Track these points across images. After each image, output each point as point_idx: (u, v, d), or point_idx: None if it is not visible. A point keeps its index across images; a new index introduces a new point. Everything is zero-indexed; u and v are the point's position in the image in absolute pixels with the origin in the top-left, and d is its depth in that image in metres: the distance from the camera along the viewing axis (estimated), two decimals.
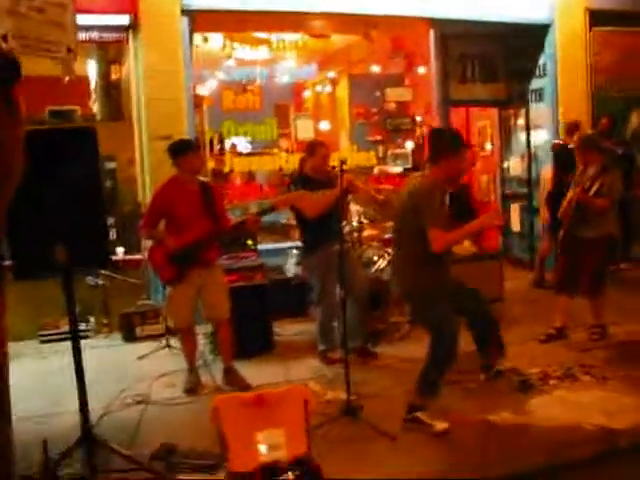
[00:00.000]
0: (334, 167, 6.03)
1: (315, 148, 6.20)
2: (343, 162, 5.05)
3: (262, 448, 3.97)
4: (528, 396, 5.12)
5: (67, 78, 10.17)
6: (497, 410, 4.83)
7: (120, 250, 7.79)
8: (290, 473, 3.80)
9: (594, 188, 6.19)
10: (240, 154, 8.91)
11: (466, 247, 7.34)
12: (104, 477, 3.95)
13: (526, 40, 9.95)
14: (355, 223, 7.11)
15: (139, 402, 5.37)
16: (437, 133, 5.20)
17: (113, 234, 7.77)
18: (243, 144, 9.32)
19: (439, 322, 4.67)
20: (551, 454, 4.34)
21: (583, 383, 5.32)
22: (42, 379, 6.05)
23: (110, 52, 8.96)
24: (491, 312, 5.22)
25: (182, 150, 5.56)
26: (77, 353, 3.88)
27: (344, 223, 6.82)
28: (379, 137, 10.59)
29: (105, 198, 4.02)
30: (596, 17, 9.83)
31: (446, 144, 4.74)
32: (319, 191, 5.95)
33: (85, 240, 3.57)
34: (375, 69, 10.72)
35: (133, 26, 7.67)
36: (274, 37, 8.75)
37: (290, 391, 4.20)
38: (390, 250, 7.32)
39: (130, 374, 6.00)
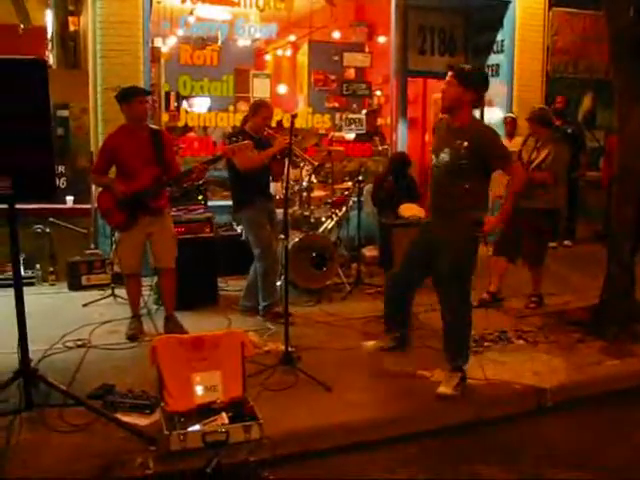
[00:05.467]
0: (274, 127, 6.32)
1: (259, 108, 6.26)
2: (294, 116, 5.13)
3: (198, 389, 4.07)
4: None
5: (22, 27, 10.04)
6: (430, 367, 4.96)
7: (70, 199, 7.75)
8: (224, 414, 3.91)
9: (537, 160, 6.36)
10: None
11: (415, 211, 7.46)
12: (40, 411, 4.00)
13: (486, 15, 10.07)
14: (305, 183, 7.17)
15: (80, 346, 5.40)
16: None
17: (63, 182, 7.72)
18: (198, 106, 9.37)
19: None
20: (480, 410, 4.51)
21: (516, 346, 5.52)
22: None
23: (69, 2, 8.83)
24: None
25: (126, 97, 5.54)
26: (18, 287, 3.88)
27: (293, 182, 6.91)
28: (337, 104, 10.64)
29: (53, 131, 4.01)
30: None
31: None
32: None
33: (31, 172, 3.57)
34: (336, 37, 10.73)
35: None
36: None
37: (227, 335, 4.30)
38: (337, 211, 7.46)
39: (74, 320, 5.98)
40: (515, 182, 4.69)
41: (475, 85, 4.45)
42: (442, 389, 4.53)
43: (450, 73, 4.48)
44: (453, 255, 4.52)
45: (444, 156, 4.47)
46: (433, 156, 4.64)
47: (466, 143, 4.37)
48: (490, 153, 4.48)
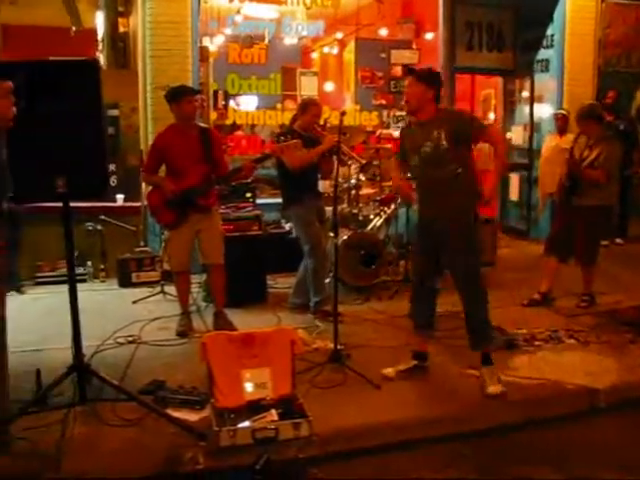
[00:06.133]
0: (321, 125, 6.36)
1: (308, 106, 6.26)
2: (343, 114, 5.16)
3: (248, 386, 4.10)
4: (512, 354, 5.21)
5: (74, 29, 10.23)
6: (478, 365, 4.87)
7: (120, 197, 7.86)
8: (274, 411, 3.92)
9: (589, 158, 6.24)
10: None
11: None
12: (93, 405, 4.06)
13: (535, 10, 9.89)
14: (353, 181, 7.16)
15: (131, 342, 5.47)
16: None
17: (114, 181, 7.82)
18: (245, 104, 9.45)
19: None
20: (530, 409, 4.45)
21: (567, 345, 5.43)
22: (36, 318, 6.16)
23: (118, 3, 8.95)
24: None
25: (174, 96, 5.60)
26: (72, 285, 3.95)
27: (341, 180, 6.90)
28: (384, 101, 10.61)
29: (106, 130, 4.07)
30: None
31: None
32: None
33: (84, 170, 3.63)
34: (383, 34, 10.70)
35: None
36: None
37: (277, 332, 4.32)
38: (386, 209, 7.42)
39: (124, 317, 6.07)
40: (498, 148, 4.77)
41: (435, 82, 4.58)
42: (491, 389, 4.49)
43: (410, 77, 4.67)
44: (459, 244, 4.54)
45: (426, 149, 4.53)
46: (413, 156, 4.66)
47: (443, 128, 4.46)
48: (466, 125, 4.58)
